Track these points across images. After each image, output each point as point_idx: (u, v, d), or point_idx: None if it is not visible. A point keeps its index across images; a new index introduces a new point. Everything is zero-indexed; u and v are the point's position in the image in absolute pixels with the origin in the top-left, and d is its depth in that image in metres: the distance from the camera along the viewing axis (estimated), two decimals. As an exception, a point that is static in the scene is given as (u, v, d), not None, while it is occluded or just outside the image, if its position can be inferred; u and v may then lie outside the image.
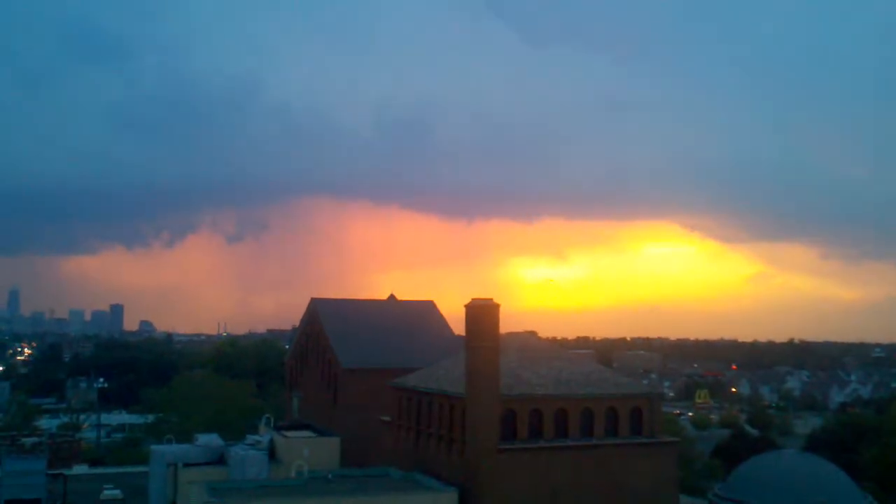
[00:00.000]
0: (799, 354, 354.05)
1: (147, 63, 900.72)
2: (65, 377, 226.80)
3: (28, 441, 78.60)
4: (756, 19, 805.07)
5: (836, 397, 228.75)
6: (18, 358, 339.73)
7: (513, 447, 44.21)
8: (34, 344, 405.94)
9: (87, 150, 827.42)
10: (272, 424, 60.00)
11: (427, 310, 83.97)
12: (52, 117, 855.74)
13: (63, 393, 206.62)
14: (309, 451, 49.85)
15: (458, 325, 71.30)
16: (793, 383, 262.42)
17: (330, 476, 46.97)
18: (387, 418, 56.08)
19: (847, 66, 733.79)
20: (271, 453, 52.54)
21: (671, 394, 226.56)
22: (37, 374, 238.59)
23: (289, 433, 56.46)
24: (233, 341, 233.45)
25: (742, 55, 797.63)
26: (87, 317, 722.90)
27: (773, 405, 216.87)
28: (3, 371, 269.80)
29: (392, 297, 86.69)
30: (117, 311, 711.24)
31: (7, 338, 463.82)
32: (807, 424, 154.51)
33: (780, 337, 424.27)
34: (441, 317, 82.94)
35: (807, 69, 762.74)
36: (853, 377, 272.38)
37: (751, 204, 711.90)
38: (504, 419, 44.51)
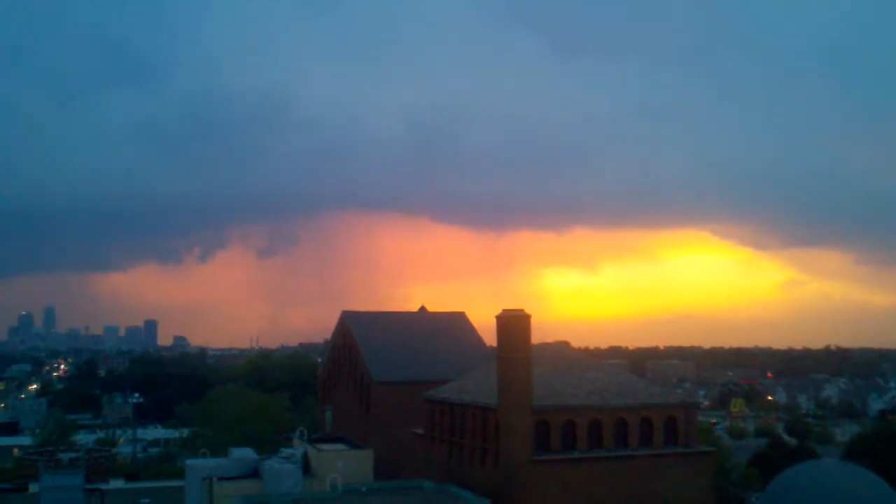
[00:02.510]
0: (836, 361, 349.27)
1: (177, 80, 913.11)
2: (100, 393, 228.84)
3: (65, 456, 79.26)
4: (788, 24, 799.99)
5: (875, 404, 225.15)
6: (55, 374, 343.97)
7: (547, 458, 43.94)
8: (70, 360, 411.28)
9: (119, 167, 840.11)
10: (306, 437, 60.08)
11: (458, 321, 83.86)
12: (85, 134, 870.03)
13: (99, 408, 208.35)
14: (343, 464, 49.81)
15: (489, 337, 71.22)
16: (830, 391, 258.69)
17: (364, 489, 46.94)
18: (419, 431, 55.99)
19: (880, 71, 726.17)
20: (305, 466, 52.59)
21: (706, 403, 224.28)
22: (73, 390, 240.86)
23: (322, 446, 56.49)
24: (265, 355, 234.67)
25: (773, 61, 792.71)
26: (122, 332, 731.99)
27: (811, 413, 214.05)
28: (40, 387, 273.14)
29: (423, 309, 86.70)
30: (151, 326, 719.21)
31: (44, 355, 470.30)
32: (845, 432, 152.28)
33: (816, 344, 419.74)
34: (472, 328, 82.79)
35: (839, 74, 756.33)
36: (892, 384, 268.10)
37: (783, 210, 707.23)
38: (537, 430, 44.26)
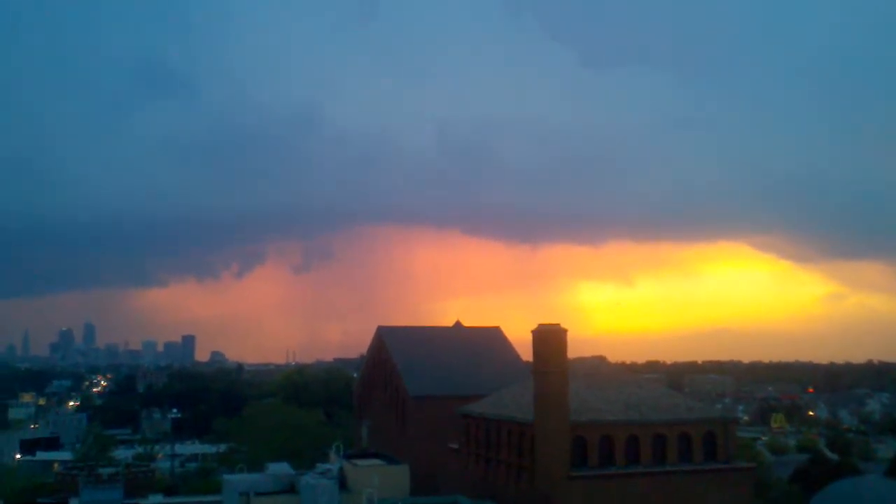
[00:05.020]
0: (878, 376, 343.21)
1: (213, 94, 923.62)
2: (139, 408, 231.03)
3: (105, 471, 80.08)
4: (823, 32, 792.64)
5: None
6: (95, 390, 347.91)
7: (583, 474, 43.60)
8: (109, 376, 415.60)
9: (155, 183, 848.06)
10: (342, 453, 60.16)
11: (493, 336, 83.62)
12: (121, 150, 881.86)
13: (138, 423, 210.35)
14: (379, 479, 49.78)
15: (525, 351, 70.92)
16: (872, 406, 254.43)
17: (400, 504, 46.88)
18: (455, 446, 55.81)
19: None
20: (341, 482, 52.62)
21: (745, 418, 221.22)
22: (112, 406, 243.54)
23: (358, 461, 56.52)
24: (301, 370, 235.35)
25: (809, 68, 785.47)
26: (160, 348, 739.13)
27: (853, 429, 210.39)
28: (80, 403, 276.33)
29: (458, 323, 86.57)
30: (189, 341, 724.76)
31: (83, 370, 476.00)
32: (888, 449, 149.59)
33: (858, 358, 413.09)
34: (508, 343, 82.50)
35: (877, 80, 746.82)
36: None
37: (824, 222, 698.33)
38: (574, 446, 43.94)
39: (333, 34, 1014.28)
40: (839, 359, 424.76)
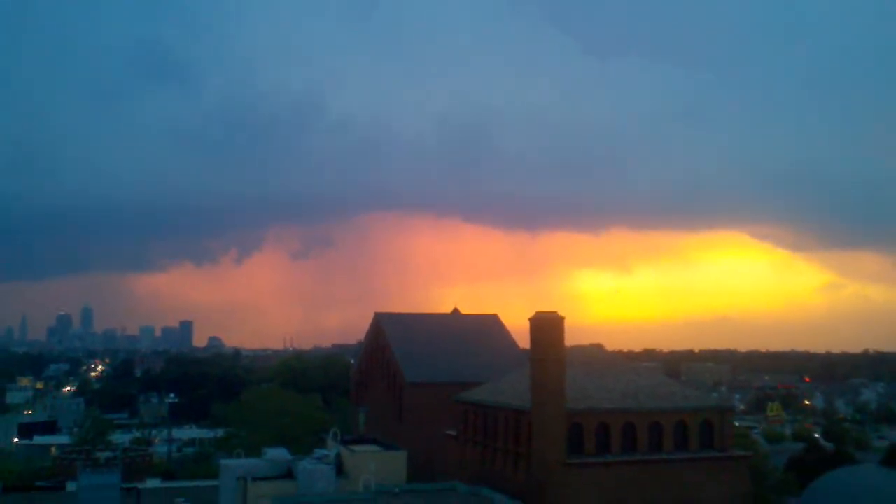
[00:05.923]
0: (874, 366, 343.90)
1: (213, 82, 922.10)
2: (136, 393, 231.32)
3: (102, 456, 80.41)
4: (824, 26, 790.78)
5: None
6: (92, 374, 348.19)
7: (580, 462, 43.73)
8: (107, 360, 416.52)
9: (156, 169, 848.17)
10: (339, 438, 60.29)
11: (491, 323, 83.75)
12: (122, 136, 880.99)
13: (135, 408, 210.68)
14: (375, 465, 49.93)
15: (522, 339, 71.06)
16: (868, 395, 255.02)
17: (397, 490, 47.01)
18: (452, 432, 55.95)
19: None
20: (338, 467, 52.76)
21: (742, 407, 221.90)
22: (110, 390, 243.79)
23: (355, 447, 56.65)
24: (299, 356, 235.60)
25: (808, 61, 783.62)
26: (158, 333, 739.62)
27: (849, 418, 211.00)
28: (78, 387, 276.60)
29: (456, 310, 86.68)
30: (186, 327, 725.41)
31: (81, 355, 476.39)
32: (884, 438, 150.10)
33: (855, 348, 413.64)
34: (505, 330, 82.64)
35: (876, 73, 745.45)
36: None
37: (822, 212, 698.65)
38: (571, 433, 44.06)
39: (335, 24, 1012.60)
40: (836, 348, 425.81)
